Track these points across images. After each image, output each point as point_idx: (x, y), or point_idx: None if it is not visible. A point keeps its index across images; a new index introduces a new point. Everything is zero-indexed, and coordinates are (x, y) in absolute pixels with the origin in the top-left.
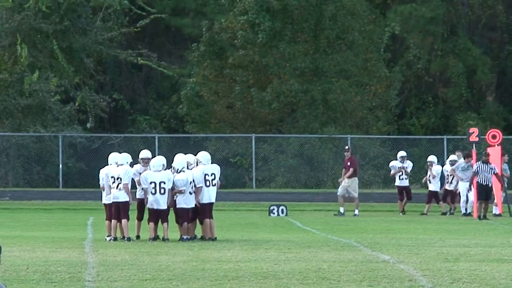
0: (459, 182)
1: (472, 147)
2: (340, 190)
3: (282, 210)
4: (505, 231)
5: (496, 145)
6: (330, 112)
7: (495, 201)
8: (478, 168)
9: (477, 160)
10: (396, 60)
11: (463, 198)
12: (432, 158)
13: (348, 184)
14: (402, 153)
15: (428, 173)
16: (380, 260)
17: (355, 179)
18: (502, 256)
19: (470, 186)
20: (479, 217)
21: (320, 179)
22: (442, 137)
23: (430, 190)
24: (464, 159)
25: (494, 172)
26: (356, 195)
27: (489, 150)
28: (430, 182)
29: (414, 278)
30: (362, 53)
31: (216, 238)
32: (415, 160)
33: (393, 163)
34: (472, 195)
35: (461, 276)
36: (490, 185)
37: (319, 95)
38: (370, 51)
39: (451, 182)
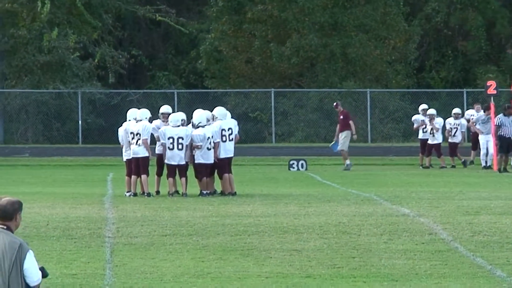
0: (479, 135)
1: (491, 100)
2: (340, 146)
3: (302, 164)
4: None
5: None
6: (349, 66)
7: None
8: (501, 121)
9: (496, 113)
10: (415, 13)
11: (483, 151)
12: (432, 111)
13: (340, 137)
14: (423, 106)
15: (429, 126)
16: (400, 213)
17: (348, 132)
18: None
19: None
20: (499, 170)
21: None
22: (461, 90)
23: (430, 143)
24: (483, 112)
25: None
26: (343, 147)
27: None
28: (433, 135)
29: (434, 232)
30: (381, 7)
31: (236, 192)
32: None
33: (415, 117)
34: (492, 148)
35: (482, 229)
36: (511, 137)
37: (338, 49)
38: (389, 5)
39: (454, 135)
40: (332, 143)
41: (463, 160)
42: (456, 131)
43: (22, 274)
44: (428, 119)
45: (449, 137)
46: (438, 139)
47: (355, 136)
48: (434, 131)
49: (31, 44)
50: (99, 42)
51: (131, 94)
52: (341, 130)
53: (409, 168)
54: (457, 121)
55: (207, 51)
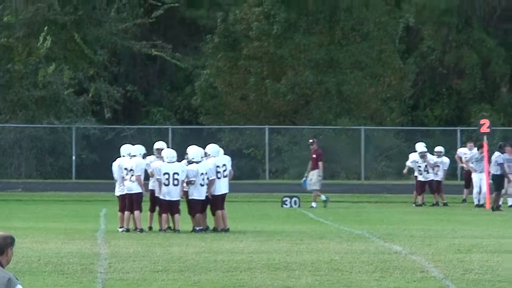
0: (473, 173)
1: (484, 138)
2: (314, 186)
3: (295, 201)
4: None
5: None
6: (344, 103)
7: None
8: (502, 159)
9: (490, 152)
10: (410, 51)
11: (476, 189)
12: (421, 148)
13: (311, 176)
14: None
15: (422, 164)
16: (392, 251)
17: (318, 172)
18: None
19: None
20: (492, 208)
21: (334, 171)
22: (455, 128)
23: (423, 180)
24: (477, 150)
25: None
26: (316, 187)
27: None
28: (428, 172)
29: (426, 269)
30: (377, 44)
31: (228, 229)
32: (428, 151)
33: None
34: (485, 186)
35: (473, 267)
36: (502, 175)
37: (333, 87)
38: (384, 43)
39: (436, 173)
40: (303, 179)
41: (445, 201)
42: (439, 169)
43: None
44: (420, 156)
45: (432, 175)
46: (431, 176)
47: (320, 177)
48: (429, 167)
49: (26, 79)
50: (94, 77)
51: (126, 129)
52: (313, 168)
53: (402, 206)
54: (439, 159)
55: (202, 87)
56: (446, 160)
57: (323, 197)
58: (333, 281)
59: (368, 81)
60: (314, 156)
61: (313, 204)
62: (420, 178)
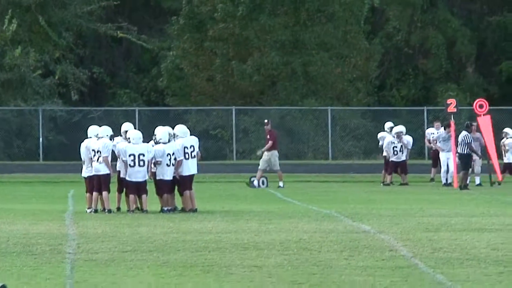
0: (440, 153)
1: (451, 118)
2: (261, 164)
3: (263, 181)
4: (486, 201)
5: (482, 115)
6: (310, 84)
7: (479, 171)
8: (466, 138)
9: (457, 131)
10: (376, 32)
11: (443, 168)
12: (399, 128)
13: (267, 158)
14: (389, 124)
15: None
16: (361, 230)
17: (274, 152)
18: (483, 226)
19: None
20: (460, 187)
21: (300, 151)
22: (422, 108)
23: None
24: (444, 129)
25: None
26: (276, 168)
27: (479, 120)
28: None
29: (395, 248)
30: (342, 25)
31: (196, 209)
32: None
33: (381, 134)
34: (452, 165)
35: (442, 246)
36: (470, 154)
37: (299, 68)
38: (350, 23)
39: (396, 153)
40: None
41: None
42: (400, 148)
43: None
44: (396, 136)
45: (393, 156)
46: (403, 156)
47: (259, 152)
48: (404, 148)
49: None
50: (60, 59)
51: (93, 111)
52: (269, 150)
53: (370, 185)
54: (398, 140)
55: (168, 69)
56: (409, 139)
57: (255, 181)
58: (302, 260)
59: (334, 61)
60: (268, 137)
61: (280, 184)
62: (394, 158)
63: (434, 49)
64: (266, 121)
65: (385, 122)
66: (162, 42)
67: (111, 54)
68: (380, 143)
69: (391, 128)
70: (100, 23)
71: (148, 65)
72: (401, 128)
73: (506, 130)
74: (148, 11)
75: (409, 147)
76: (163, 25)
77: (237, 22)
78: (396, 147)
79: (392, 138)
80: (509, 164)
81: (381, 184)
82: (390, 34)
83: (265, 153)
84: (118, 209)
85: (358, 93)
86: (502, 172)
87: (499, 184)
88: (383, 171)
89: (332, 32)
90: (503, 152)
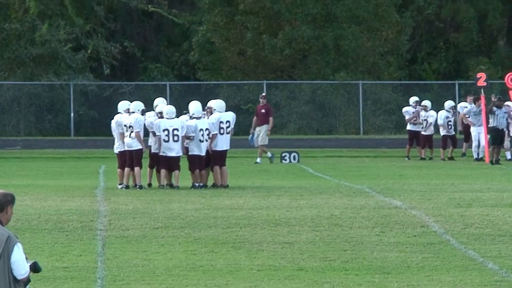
0: (471, 127)
1: (481, 92)
2: (262, 141)
3: (294, 156)
4: None
5: None
6: (341, 58)
7: (508, 145)
8: (495, 110)
9: (487, 105)
10: (407, 5)
11: (475, 143)
12: (426, 102)
13: (259, 132)
14: (414, 98)
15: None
16: (392, 206)
17: (266, 126)
18: None
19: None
20: (491, 162)
21: (332, 125)
22: (453, 82)
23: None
24: (474, 103)
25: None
26: (264, 142)
27: (511, 93)
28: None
29: (426, 224)
30: None
31: (228, 185)
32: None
33: (406, 109)
34: (483, 140)
35: (474, 222)
36: (504, 129)
37: (330, 41)
38: None
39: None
40: (249, 136)
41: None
42: (427, 123)
43: (9, 267)
44: (421, 109)
45: (422, 130)
46: (430, 130)
47: (269, 132)
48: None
49: (24, 37)
50: (91, 34)
51: (124, 86)
52: (260, 124)
53: (401, 160)
54: (427, 113)
55: (199, 43)
56: (433, 113)
57: (269, 153)
58: (333, 236)
59: (365, 35)
60: (263, 111)
61: (258, 160)
62: (445, 132)
63: (465, 22)
64: (263, 94)
65: (411, 97)
66: (193, 16)
67: (142, 28)
68: (406, 117)
69: (416, 102)
70: None
71: (179, 39)
72: (427, 102)
73: (426, 102)
74: None
75: (432, 122)
76: None
77: None
78: (450, 121)
79: (447, 113)
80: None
81: (406, 158)
82: (421, 8)
83: (257, 128)
84: (149, 185)
85: (389, 67)
86: None
87: None
88: (407, 146)
89: (363, 5)
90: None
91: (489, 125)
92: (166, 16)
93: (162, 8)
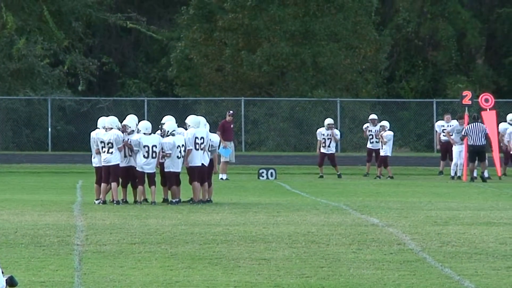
0: (454, 146)
1: (465, 110)
2: (232, 158)
3: (272, 173)
4: (495, 194)
5: (488, 109)
6: (320, 75)
7: (486, 164)
8: (468, 130)
9: (469, 123)
10: (385, 23)
11: (455, 161)
12: (384, 122)
13: (230, 147)
14: (373, 116)
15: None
16: (369, 223)
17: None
18: (491, 219)
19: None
20: (469, 180)
21: (309, 142)
22: (431, 100)
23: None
24: (457, 121)
25: (485, 132)
26: (233, 160)
27: (483, 114)
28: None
29: (403, 242)
30: (352, 16)
31: (211, 200)
32: (404, 123)
33: (319, 130)
34: (462, 158)
35: (450, 240)
36: (481, 146)
37: (309, 58)
38: (360, 14)
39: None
40: (222, 147)
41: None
42: (330, 141)
43: None
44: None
45: (322, 148)
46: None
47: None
48: (382, 143)
49: (1, 52)
50: (70, 49)
51: (101, 101)
52: (228, 139)
53: (379, 178)
54: (329, 132)
55: (178, 59)
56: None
57: (224, 175)
58: (310, 253)
59: (343, 52)
60: (232, 126)
61: (222, 176)
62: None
63: (444, 41)
64: (231, 112)
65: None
66: (172, 32)
67: (121, 43)
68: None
69: (373, 120)
70: (110, 13)
71: (157, 55)
72: (385, 122)
73: (383, 123)
74: (157, 1)
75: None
76: (172, 15)
77: (246, 12)
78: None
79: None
80: (384, 157)
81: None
82: (400, 26)
83: (227, 143)
84: (125, 201)
85: (367, 85)
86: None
87: (500, 178)
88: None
89: (342, 23)
90: (381, 144)
91: (468, 143)
92: (144, 32)
93: (140, 24)
